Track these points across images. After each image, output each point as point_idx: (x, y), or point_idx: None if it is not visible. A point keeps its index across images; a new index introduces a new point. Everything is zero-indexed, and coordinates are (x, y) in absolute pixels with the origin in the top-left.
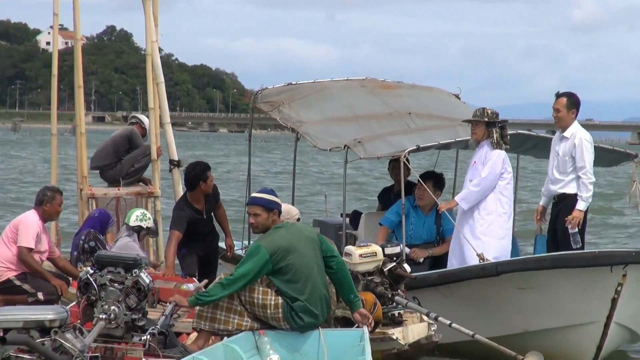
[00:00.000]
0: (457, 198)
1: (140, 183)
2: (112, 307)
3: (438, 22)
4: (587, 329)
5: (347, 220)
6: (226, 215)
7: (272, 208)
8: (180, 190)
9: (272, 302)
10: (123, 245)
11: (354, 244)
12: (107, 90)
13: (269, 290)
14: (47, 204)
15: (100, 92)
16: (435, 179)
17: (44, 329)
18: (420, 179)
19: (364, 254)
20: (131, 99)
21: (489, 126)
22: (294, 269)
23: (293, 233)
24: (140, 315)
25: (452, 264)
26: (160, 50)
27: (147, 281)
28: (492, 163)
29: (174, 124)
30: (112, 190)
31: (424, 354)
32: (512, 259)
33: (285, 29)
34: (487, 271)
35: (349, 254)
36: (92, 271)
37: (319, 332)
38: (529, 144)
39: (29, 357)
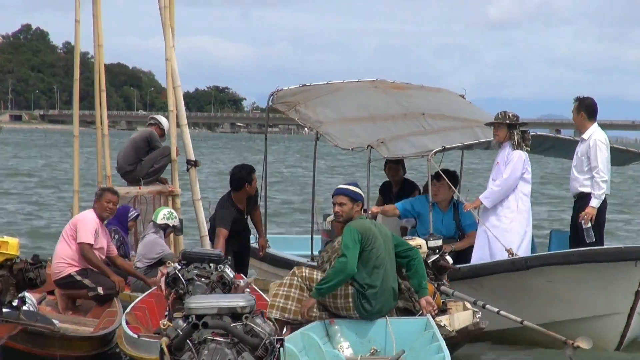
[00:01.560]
0: (480, 197)
1: (157, 182)
2: None
3: (352, 20)
4: (611, 320)
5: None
6: (261, 217)
7: (357, 199)
8: (197, 189)
9: (343, 292)
10: (150, 241)
11: None
12: (23, 89)
13: None
14: (96, 202)
15: (17, 90)
16: (450, 177)
17: (234, 314)
18: (437, 176)
19: None
20: (48, 97)
21: (510, 128)
22: (375, 257)
23: (375, 225)
24: None
25: (477, 259)
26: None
27: (231, 275)
28: (513, 165)
29: (90, 123)
30: (133, 189)
31: (471, 340)
32: (542, 253)
33: (200, 28)
34: (517, 265)
35: None
36: (179, 267)
37: (386, 320)
38: (547, 144)
39: (222, 340)
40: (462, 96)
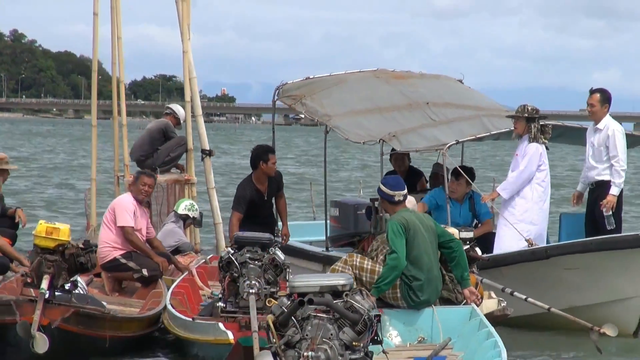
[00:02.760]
0: (497, 189)
1: (172, 170)
2: (254, 282)
3: (299, 8)
4: (630, 303)
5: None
6: (286, 206)
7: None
8: (212, 178)
9: None
10: (169, 229)
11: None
12: None
13: None
14: (132, 185)
15: None
16: (467, 173)
17: (335, 292)
18: (456, 174)
19: None
20: None
21: (528, 121)
22: (418, 249)
23: (417, 217)
24: (278, 288)
25: (497, 249)
26: (23, 36)
27: (283, 257)
28: (529, 157)
29: (37, 111)
30: None
31: (497, 325)
32: (561, 243)
33: (146, 15)
34: (537, 255)
35: None
36: (232, 251)
37: (432, 309)
38: (554, 132)
39: (325, 316)
40: (460, 81)
